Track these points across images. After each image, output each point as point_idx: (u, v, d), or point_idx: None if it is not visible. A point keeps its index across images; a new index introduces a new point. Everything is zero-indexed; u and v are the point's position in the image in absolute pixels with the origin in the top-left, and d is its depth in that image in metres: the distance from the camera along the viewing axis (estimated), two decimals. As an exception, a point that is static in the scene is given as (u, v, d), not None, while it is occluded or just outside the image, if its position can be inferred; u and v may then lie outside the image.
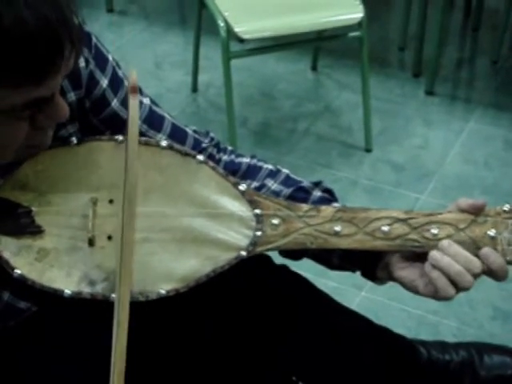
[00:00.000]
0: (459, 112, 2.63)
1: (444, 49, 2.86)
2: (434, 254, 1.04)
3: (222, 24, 2.24)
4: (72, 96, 1.06)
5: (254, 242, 1.06)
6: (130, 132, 0.98)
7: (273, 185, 1.16)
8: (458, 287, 1.04)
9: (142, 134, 1.09)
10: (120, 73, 1.11)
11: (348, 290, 1.94)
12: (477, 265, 1.03)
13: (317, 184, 1.17)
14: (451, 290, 1.04)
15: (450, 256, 1.03)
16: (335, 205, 1.13)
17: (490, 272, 1.04)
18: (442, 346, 1.42)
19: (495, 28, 2.94)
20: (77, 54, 0.92)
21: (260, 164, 1.19)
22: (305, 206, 1.08)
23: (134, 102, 0.99)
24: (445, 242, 1.05)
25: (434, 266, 1.04)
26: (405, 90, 2.72)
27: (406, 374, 1.33)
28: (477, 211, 1.06)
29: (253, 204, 1.07)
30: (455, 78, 2.81)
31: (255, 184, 1.15)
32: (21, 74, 0.87)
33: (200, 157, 1.08)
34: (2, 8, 0.83)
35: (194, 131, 1.18)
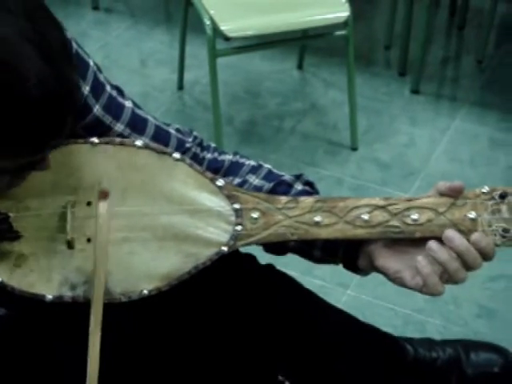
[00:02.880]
0: (445, 110, 2.63)
1: (429, 47, 2.87)
2: (433, 246, 1.03)
3: (207, 22, 2.23)
4: None
5: (235, 237, 1.06)
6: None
7: (254, 180, 1.15)
8: (452, 281, 1.03)
9: (124, 137, 1.10)
10: (101, 77, 1.11)
11: (334, 288, 1.94)
12: (479, 261, 1.03)
13: (298, 177, 1.16)
14: (441, 288, 1.04)
15: (458, 252, 1.03)
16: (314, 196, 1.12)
17: (483, 256, 1.04)
18: (429, 343, 1.43)
19: (480, 27, 2.95)
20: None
21: (242, 160, 1.19)
22: (284, 198, 1.08)
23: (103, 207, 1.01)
24: (452, 234, 1.04)
25: (428, 260, 1.03)
26: (390, 88, 2.72)
27: (393, 372, 1.33)
28: (456, 194, 1.06)
29: (231, 199, 1.07)
30: (441, 77, 2.82)
31: (237, 180, 1.15)
32: (21, 146, 0.87)
33: (176, 155, 1.07)
34: (12, 82, 0.82)
35: (177, 130, 1.17)
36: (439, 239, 1.04)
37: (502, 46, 2.94)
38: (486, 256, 1.04)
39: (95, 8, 3.10)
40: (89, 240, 1.04)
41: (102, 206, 1.02)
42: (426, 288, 1.04)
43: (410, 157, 2.43)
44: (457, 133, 2.52)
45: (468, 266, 1.03)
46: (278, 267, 1.25)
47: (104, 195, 1.03)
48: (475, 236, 1.03)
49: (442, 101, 2.69)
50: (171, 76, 2.74)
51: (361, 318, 1.32)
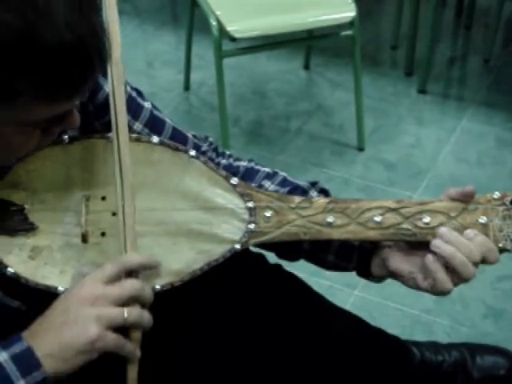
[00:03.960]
0: (451, 110, 2.63)
1: (436, 47, 2.87)
2: (437, 243, 1.05)
3: (214, 23, 2.23)
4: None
5: (248, 235, 1.06)
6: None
7: (270, 186, 1.17)
8: (461, 278, 1.04)
9: None
10: None
11: (342, 289, 1.94)
12: (477, 253, 1.04)
13: (313, 184, 1.17)
14: (449, 284, 1.04)
15: (452, 244, 1.04)
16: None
17: (484, 259, 1.05)
18: (435, 346, 1.43)
19: (487, 26, 2.94)
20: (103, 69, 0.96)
21: (258, 167, 1.20)
22: (297, 198, 1.09)
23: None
24: (443, 229, 1.06)
25: (436, 256, 1.04)
26: (397, 88, 2.72)
27: (399, 375, 1.33)
28: (467, 198, 1.08)
29: (245, 197, 1.08)
30: (447, 77, 2.81)
31: (253, 185, 1.16)
32: (58, 90, 0.89)
33: (191, 152, 1.09)
34: (44, 28, 0.85)
35: (194, 136, 1.19)
36: None
37: (509, 46, 2.94)
38: (487, 261, 1.05)
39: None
40: (103, 234, 1.04)
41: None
42: (435, 287, 1.05)
43: (417, 157, 2.42)
44: (464, 133, 2.52)
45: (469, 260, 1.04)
46: (285, 268, 1.25)
47: None
48: (466, 232, 1.06)
49: (449, 101, 2.68)
50: (177, 77, 2.74)
51: (368, 318, 1.32)
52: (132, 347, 0.97)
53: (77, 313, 0.94)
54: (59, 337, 0.93)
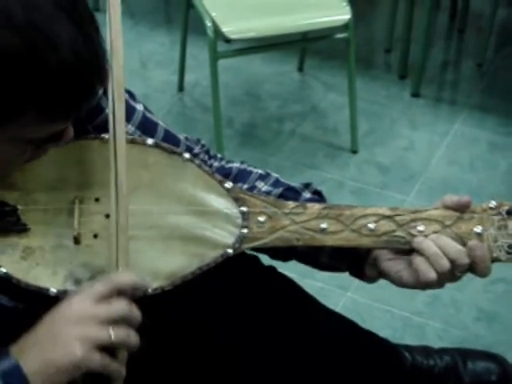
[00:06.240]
0: (444, 114, 2.64)
1: (430, 51, 2.87)
2: (417, 238, 1.07)
3: (209, 24, 2.23)
4: None
5: (240, 240, 1.06)
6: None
7: (263, 186, 1.17)
8: (437, 271, 1.05)
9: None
10: None
11: (334, 290, 1.94)
12: (463, 255, 1.05)
13: (306, 186, 1.17)
14: (432, 274, 1.05)
15: (430, 239, 1.06)
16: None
17: (475, 267, 1.06)
18: (426, 350, 1.43)
19: (481, 30, 2.95)
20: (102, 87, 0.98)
21: (250, 168, 1.20)
22: (291, 204, 1.08)
23: None
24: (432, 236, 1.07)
25: (416, 249, 1.06)
26: (390, 91, 2.73)
27: (390, 379, 1.33)
28: (462, 208, 1.08)
29: (239, 201, 1.07)
30: (441, 80, 2.82)
31: (245, 186, 1.16)
32: (56, 112, 0.90)
33: (186, 155, 1.08)
34: (47, 50, 0.86)
35: (186, 138, 1.19)
36: None
37: (502, 50, 2.95)
38: (477, 269, 1.06)
39: (96, 9, 3.10)
40: (95, 236, 1.04)
41: None
42: (419, 278, 1.06)
43: (410, 160, 2.43)
44: (456, 136, 2.52)
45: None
46: (279, 269, 1.25)
47: None
48: (471, 243, 1.06)
49: (442, 104, 2.69)
50: (171, 78, 2.74)
51: (359, 320, 1.32)
52: (117, 367, 0.96)
53: (62, 332, 0.93)
54: (44, 355, 0.92)
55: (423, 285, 1.07)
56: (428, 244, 1.06)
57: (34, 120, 0.90)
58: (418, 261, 1.06)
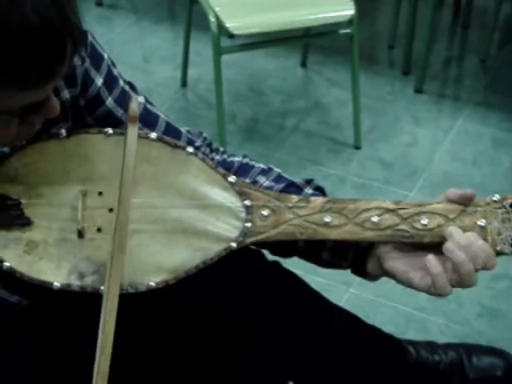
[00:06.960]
0: (448, 110, 2.63)
1: (433, 47, 2.87)
2: (450, 247, 1.03)
3: (213, 19, 2.23)
4: (66, 94, 1.06)
5: (244, 234, 1.06)
6: (127, 161, 0.99)
7: (265, 182, 1.16)
8: (462, 285, 1.03)
9: None
10: (115, 71, 1.12)
11: (337, 286, 1.94)
12: (480, 262, 1.03)
13: (308, 182, 1.17)
14: (448, 289, 1.04)
15: (463, 250, 1.02)
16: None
17: (483, 266, 1.05)
18: (431, 346, 1.42)
19: (484, 26, 2.95)
20: (76, 54, 0.93)
21: (252, 163, 1.20)
22: (294, 197, 1.08)
23: (132, 130, 0.99)
24: (455, 231, 1.04)
25: (438, 259, 1.03)
26: (394, 87, 2.72)
27: (395, 374, 1.33)
28: (466, 201, 1.07)
29: (242, 195, 1.07)
30: (444, 76, 2.81)
31: (247, 181, 1.15)
32: (25, 77, 0.87)
33: (189, 148, 1.08)
34: (8, 12, 0.83)
35: (188, 131, 1.19)
36: None
37: (506, 46, 2.94)
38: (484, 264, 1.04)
39: (99, 4, 3.10)
40: (99, 230, 1.04)
41: (132, 130, 1.01)
42: (434, 288, 1.04)
43: (413, 156, 2.42)
44: (460, 132, 2.52)
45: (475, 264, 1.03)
46: (282, 264, 1.25)
47: (134, 119, 1.02)
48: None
49: (446, 100, 2.68)
50: (174, 73, 2.74)
51: (363, 316, 1.32)
52: None
53: None
54: None
55: (434, 295, 1.05)
56: (463, 261, 1.02)
57: (5, 86, 0.87)
58: (436, 272, 1.03)
